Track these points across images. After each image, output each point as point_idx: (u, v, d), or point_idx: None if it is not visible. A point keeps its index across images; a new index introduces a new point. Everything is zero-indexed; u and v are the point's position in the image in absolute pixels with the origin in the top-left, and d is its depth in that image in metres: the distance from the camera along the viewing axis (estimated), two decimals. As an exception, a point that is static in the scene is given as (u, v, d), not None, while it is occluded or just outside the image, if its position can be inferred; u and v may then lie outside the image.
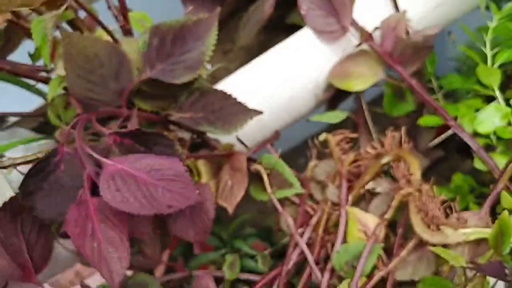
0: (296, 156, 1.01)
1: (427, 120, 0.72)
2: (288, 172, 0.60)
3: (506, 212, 0.47)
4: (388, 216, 0.52)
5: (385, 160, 0.56)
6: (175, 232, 0.59)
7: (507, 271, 0.41)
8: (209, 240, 0.72)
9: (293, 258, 0.60)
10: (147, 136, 0.53)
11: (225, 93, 0.56)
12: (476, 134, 0.63)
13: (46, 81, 0.60)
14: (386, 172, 0.64)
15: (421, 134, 0.79)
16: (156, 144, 0.53)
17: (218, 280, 0.69)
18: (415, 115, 0.79)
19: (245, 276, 0.68)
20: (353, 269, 0.51)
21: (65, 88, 0.60)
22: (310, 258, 0.57)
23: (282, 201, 0.64)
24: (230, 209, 0.57)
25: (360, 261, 0.51)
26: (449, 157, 0.86)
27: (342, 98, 0.79)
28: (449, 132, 0.83)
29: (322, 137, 0.65)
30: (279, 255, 0.71)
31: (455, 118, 0.63)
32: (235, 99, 0.56)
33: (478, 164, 0.60)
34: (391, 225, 0.63)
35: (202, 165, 0.60)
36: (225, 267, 0.68)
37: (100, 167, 0.49)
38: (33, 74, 0.62)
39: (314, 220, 0.61)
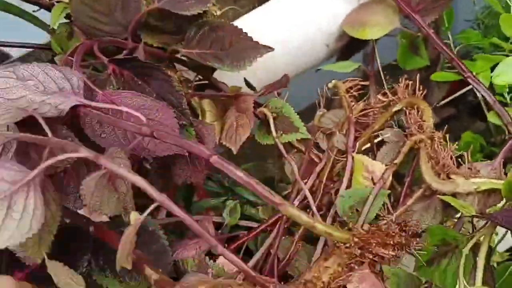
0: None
1: (440, 75, 0.69)
2: (295, 117, 0.58)
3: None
4: (397, 161, 0.51)
5: (397, 107, 0.54)
6: (173, 171, 0.58)
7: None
8: (211, 187, 0.71)
9: (294, 204, 0.58)
10: (146, 70, 0.51)
11: (236, 28, 0.54)
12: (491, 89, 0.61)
13: (50, 7, 0.57)
14: (396, 126, 0.62)
15: (432, 91, 0.77)
16: (155, 78, 0.51)
17: (218, 226, 0.68)
18: (427, 73, 0.77)
19: (245, 223, 0.67)
20: (357, 214, 0.50)
21: (69, 17, 0.57)
22: (312, 204, 0.55)
23: (287, 149, 0.63)
24: (234, 150, 0.55)
25: (364, 206, 0.49)
26: (459, 117, 0.85)
27: (354, 49, 0.77)
28: (463, 90, 0.82)
29: (332, 84, 0.62)
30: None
31: (472, 73, 0.60)
32: (246, 34, 0.54)
33: (492, 118, 0.58)
34: (398, 176, 0.61)
35: (207, 104, 0.58)
36: (225, 213, 0.67)
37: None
38: (37, -1, 0.59)
39: (318, 168, 0.59)
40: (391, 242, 0.42)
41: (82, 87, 0.44)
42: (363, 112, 0.58)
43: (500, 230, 0.48)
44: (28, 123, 0.40)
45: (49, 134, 0.38)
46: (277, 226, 0.58)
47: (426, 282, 0.51)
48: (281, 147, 0.59)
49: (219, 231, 0.67)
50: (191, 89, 0.57)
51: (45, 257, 0.38)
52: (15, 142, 0.40)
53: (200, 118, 0.58)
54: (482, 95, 0.57)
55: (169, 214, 0.70)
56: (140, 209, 0.42)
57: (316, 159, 0.61)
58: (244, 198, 0.70)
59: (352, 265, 0.42)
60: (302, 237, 0.57)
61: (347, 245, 0.41)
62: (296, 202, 0.57)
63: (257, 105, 0.61)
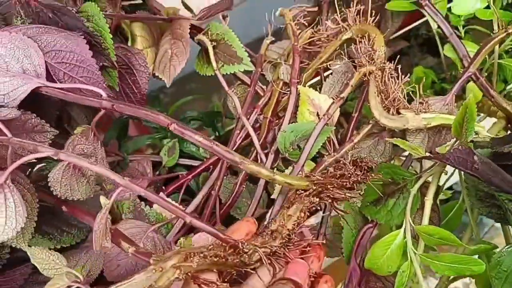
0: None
1: (396, 4, 0.65)
2: (238, 45, 0.52)
3: (472, 96, 0.42)
4: (344, 94, 0.46)
5: (347, 35, 0.49)
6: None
7: (476, 158, 0.37)
8: (147, 123, 0.65)
9: (237, 141, 0.54)
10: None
11: None
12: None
13: None
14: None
15: (386, 22, 0.72)
16: (64, 14, 0.44)
17: (156, 165, 0.64)
18: (381, 2, 0.72)
19: (185, 161, 0.62)
20: (299, 151, 0.46)
21: None
22: (256, 141, 0.51)
23: (231, 81, 0.58)
24: (167, 82, 0.49)
25: (307, 142, 0.45)
26: (410, 52, 0.82)
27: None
28: (417, 22, 0.78)
29: (279, 11, 0.57)
30: (224, 142, 0.65)
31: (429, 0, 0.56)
32: None
33: (448, 52, 0.55)
34: (346, 114, 0.58)
35: (138, 29, 0.51)
36: (163, 152, 0.62)
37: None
38: None
39: (261, 102, 0.55)
40: (348, 183, 0.41)
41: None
42: (310, 40, 0.53)
43: (449, 169, 0.45)
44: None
45: (8, 134, 0.39)
46: (219, 165, 0.54)
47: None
48: (221, 79, 0.53)
49: (157, 172, 0.62)
50: (117, 8, 0.50)
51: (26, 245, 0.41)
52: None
53: (130, 44, 0.51)
54: (438, 27, 0.53)
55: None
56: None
57: (261, 93, 0.57)
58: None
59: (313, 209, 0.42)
60: (245, 177, 0.54)
61: (307, 192, 0.41)
62: (239, 140, 0.53)
63: (196, 28, 0.55)
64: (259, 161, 0.52)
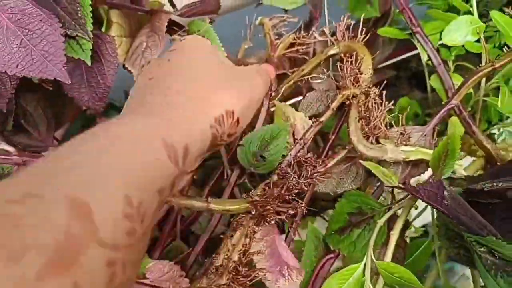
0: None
1: (388, 30, 0.63)
2: (217, 46, 0.49)
3: (456, 131, 0.40)
4: (323, 119, 0.44)
5: (333, 50, 0.46)
6: (68, 92, 0.48)
7: (446, 193, 0.34)
8: (112, 115, 0.61)
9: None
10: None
11: None
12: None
13: None
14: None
15: (377, 48, 0.71)
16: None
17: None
18: (375, 27, 0.70)
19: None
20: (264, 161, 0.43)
21: None
22: (225, 158, 0.48)
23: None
24: (135, 73, 0.46)
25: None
26: (398, 83, 0.80)
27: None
28: (407, 54, 0.76)
29: (259, 20, 0.54)
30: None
31: (422, 29, 0.54)
32: None
33: (433, 82, 0.53)
34: (322, 133, 0.55)
35: (116, 15, 0.48)
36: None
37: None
38: None
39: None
40: (290, 196, 0.39)
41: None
42: (289, 50, 0.50)
43: (420, 204, 0.43)
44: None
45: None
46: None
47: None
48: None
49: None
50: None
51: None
52: None
53: (104, 30, 0.48)
54: (428, 58, 0.52)
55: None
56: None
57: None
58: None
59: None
60: (209, 192, 0.51)
61: (249, 215, 0.39)
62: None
63: (178, 25, 0.52)
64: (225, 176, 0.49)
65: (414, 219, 0.50)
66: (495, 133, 0.61)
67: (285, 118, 0.47)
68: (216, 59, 0.36)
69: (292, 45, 0.49)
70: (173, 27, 0.51)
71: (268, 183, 0.39)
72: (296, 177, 0.37)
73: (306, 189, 0.38)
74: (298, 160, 0.39)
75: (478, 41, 0.51)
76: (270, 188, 0.38)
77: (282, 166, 0.40)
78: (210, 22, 0.54)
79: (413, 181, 0.46)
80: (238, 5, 0.71)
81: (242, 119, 0.34)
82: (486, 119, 0.62)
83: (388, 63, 0.76)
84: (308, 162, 0.39)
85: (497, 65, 0.43)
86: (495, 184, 0.33)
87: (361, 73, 0.45)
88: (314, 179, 0.38)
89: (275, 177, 0.40)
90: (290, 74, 0.49)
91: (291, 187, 0.37)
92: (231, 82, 0.34)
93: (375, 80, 0.66)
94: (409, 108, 0.64)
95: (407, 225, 0.44)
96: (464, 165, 0.55)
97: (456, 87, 0.50)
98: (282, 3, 0.60)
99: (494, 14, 0.48)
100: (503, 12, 0.67)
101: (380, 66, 0.74)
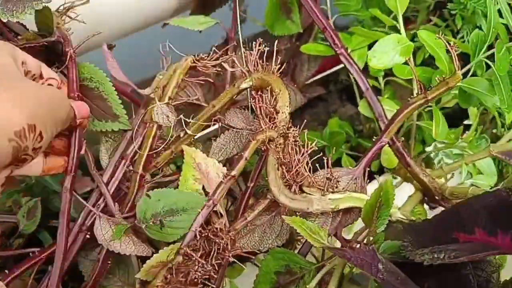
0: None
1: (312, 47, 0.57)
2: (114, 99, 0.41)
3: (390, 178, 0.35)
4: (235, 172, 0.37)
5: (246, 83, 0.40)
6: None
7: (380, 266, 0.28)
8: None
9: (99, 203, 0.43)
10: None
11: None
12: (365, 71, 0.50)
13: None
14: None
15: (302, 65, 0.65)
16: None
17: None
18: (298, 42, 0.65)
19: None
20: (160, 228, 0.36)
21: None
22: (110, 203, 0.41)
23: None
24: None
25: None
26: (329, 99, 0.75)
27: (216, 3, 0.61)
28: (335, 68, 0.71)
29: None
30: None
31: (346, 49, 0.48)
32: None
33: (363, 109, 0.48)
34: (245, 173, 0.49)
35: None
36: (21, 214, 0.49)
37: None
38: None
39: (132, 151, 0.44)
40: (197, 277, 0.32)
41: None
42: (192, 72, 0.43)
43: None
44: None
45: None
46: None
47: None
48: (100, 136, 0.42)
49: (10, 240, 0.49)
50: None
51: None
52: None
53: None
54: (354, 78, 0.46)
55: None
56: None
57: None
58: (51, 188, 0.53)
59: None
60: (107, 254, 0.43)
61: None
62: (101, 205, 0.42)
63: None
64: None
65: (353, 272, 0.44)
66: (431, 152, 0.57)
67: (195, 165, 0.40)
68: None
69: (193, 68, 0.41)
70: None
71: (171, 268, 0.32)
72: (203, 261, 0.31)
73: (215, 275, 0.31)
74: (206, 234, 0.32)
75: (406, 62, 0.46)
76: (173, 276, 0.31)
77: (186, 243, 0.33)
78: (110, 48, 0.46)
79: (345, 230, 0.40)
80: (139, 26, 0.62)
81: (43, 129, 0.30)
82: (421, 140, 0.58)
83: (316, 78, 0.71)
84: (219, 235, 0.32)
85: (429, 97, 0.38)
86: (435, 256, 0.28)
87: (277, 112, 0.38)
88: (226, 256, 0.32)
89: (180, 258, 0.33)
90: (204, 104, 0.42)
91: (197, 272, 0.31)
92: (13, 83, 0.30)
93: (302, 102, 0.60)
94: (340, 130, 0.59)
95: (342, 284, 0.38)
96: (403, 193, 0.51)
97: (387, 112, 0.45)
98: (192, 25, 0.53)
99: (422, 34, 0.43)
100: (430, 20, 0.63)
101: (308, 82, 0.69)
